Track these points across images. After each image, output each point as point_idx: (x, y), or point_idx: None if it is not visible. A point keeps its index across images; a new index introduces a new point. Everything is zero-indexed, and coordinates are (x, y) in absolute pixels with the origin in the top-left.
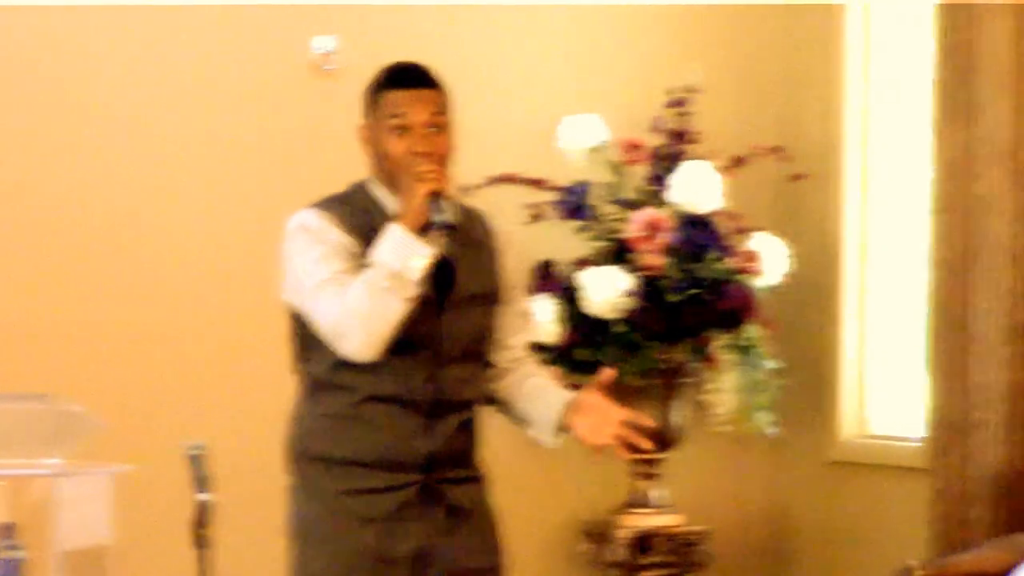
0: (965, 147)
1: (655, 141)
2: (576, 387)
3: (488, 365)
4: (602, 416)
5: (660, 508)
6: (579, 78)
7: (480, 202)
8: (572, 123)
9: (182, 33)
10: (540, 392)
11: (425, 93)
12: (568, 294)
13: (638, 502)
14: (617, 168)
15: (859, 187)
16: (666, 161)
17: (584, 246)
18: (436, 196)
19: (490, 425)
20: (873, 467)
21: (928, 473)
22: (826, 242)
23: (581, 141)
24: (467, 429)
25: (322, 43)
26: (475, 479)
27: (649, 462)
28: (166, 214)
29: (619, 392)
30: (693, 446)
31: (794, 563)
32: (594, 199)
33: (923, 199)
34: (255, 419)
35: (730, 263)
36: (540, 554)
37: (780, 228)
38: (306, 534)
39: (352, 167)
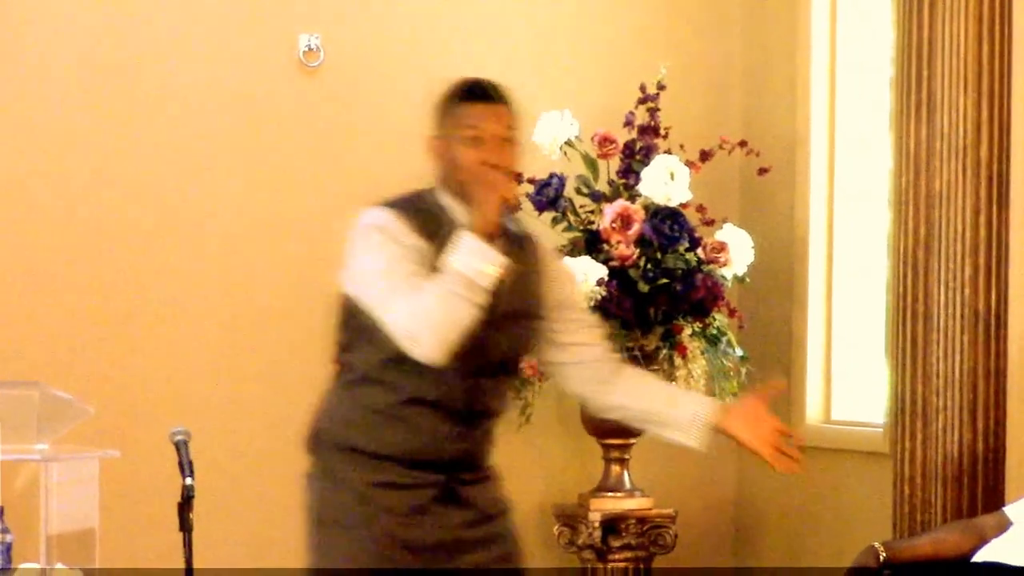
0: (924, 141)
1: (626, 136)
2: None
3: (551, 364)
4: (762, 423)
5: (629, 492)
6: (553, 75)
7: None
8: (547, 119)
9: (173, 28)
10: (669, 394)
11: (500, 108)
12: None
13: (608, 486)
14: (590, 162)
15: (823, 180)
16: (637, 155)
17: (558, 237)
18: (507, 206)
19: None
20: (837, 452)
21: (890, 457)
22: (791, 233)
23: (555, 136)
24: (489, 435)
25: (306, 40)
26: (489, 478)
27: (620, 448)
28: (154, 207)
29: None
30: None
31: (760, 546)
32: (568, 192)
33: (885, 191)
34: (239, 407)
35: (699, 254)
36: None
37: (747, 220)
38: (331, 521)
39: (337, 161)
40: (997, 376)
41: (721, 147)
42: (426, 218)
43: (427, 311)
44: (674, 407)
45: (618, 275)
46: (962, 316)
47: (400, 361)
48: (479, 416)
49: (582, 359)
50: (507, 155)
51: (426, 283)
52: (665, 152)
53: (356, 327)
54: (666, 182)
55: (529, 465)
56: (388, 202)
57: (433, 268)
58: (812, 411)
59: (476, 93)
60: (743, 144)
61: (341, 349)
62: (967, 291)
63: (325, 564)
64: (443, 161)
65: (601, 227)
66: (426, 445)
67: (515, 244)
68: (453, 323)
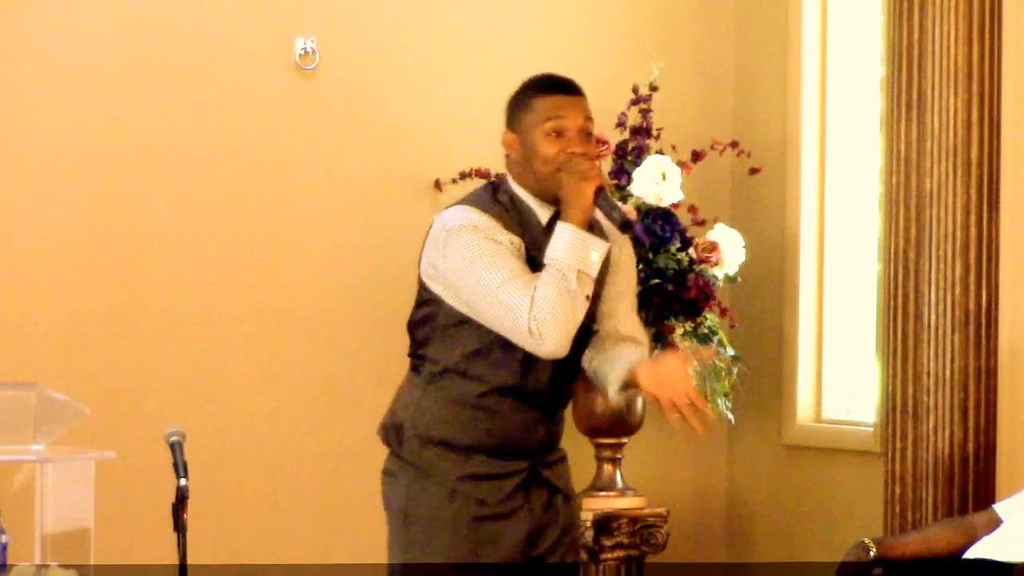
0: (915, 141)
1: (619, 136)
2: None
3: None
4: (672, 377)
5: (621, 492)
6: None
7: (451, 196)
8: None
9: (169, 32)
10: (623, 354)
11: (579, 100)
12: None
13: (601, 486)
14: None
15: (814, 180)
16: (629, 155)
17: None
18: (601, 192)
19: None
20: (828, 451)
21: (880, 456)
22: (782, 233)
23: None
24: (562, 419)
25: (302, 44)
26: (563, 459)
27: (612, 447)
28: (151, 208)
29: (583, 378)
30: (654, 431)
31: (751, 544)
32: None
33: (876, 191)
34: (234, 409)
35: (690, 254)
36: None
37: (738, 220)
38: (422, 517)
39: (332, 163)
40: (987, 375)
41: (712, 148)
42: (510, 213)
43: (550, 307)
44: (612, 363)
45: None
46: (952, 315)
47: (483, 353)
48: (560, 399)
49: (611, 331)
50: (588, 146)
51: (538, 279)
52: (657, 153)
53: (438, 323)
54: (658, 182)
55: None
56: (469, 201)
57: (527, 261)
58: (803, 410)
59: (555, 86)
60: (734, 145)
61: (419, 344)
62: (958, 290)
63: (420, 560)
64: (521, 154)
65: None
66: (514, 433)
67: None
68: (572, 315)
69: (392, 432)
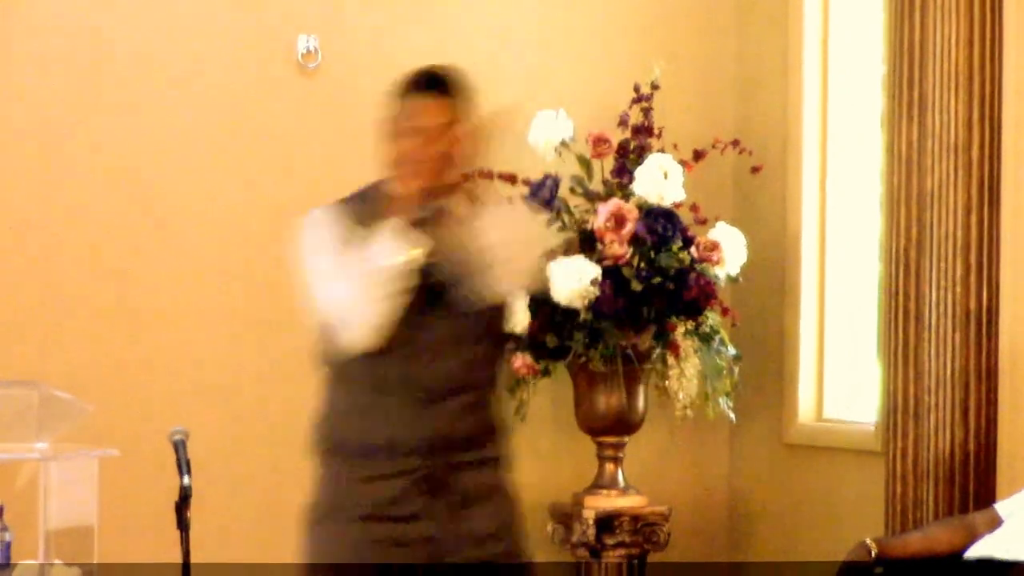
0: (916, 141)
1: (620, 135)
2: (546, 373)
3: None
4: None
5: (623, 490)
6: (547, 76)
7: None
8: (541, 119)
9: (172, 30)
10: None
11: (441, 101)
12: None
13: (603, 484)
14: (584, 162)
15: (816, 179)
16: (631, 155)
17: (553, 237)
18: (425, 192)
19: None
20: (829, 450)
21: (881, 455)
22: (784, 233)
23: (549, 136)
24: (474, 412)
25: (305, 42)
26: (487, 461)
27: (614, 446)
28: (154, 207)
29: (585, 377)
30: (656, 430)
31: (752, 543)
32: (562, 192)
33: (877, 191)
34: (237, 407)
35: (692, 253)
36: None
37: (739, 219)
38: (320, 518)
39: (334, 162)
40: (988, 375)
41: (714, 146)
42: (367, 209)
43: (351, 299)
44: None
45: (612, 274)
46: (953, 315)
47: (365, 353)
48: (447, 393)
49: None
50: (444, 146)
51: (350, 272)
52: (659, 151)
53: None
54: (659, 181)
55: (524, 463)
56: (339, 199)
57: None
58: (804, 409)
59: (419, 84)
60: (736, 143)
61: (320, 350)
62: (958, 290)
63: (317, 561)
64: (388, 151)
65: (595, 226)
66: (395, 432)
67: (469, 222)
68: (373, 310)
69: (311, 441)
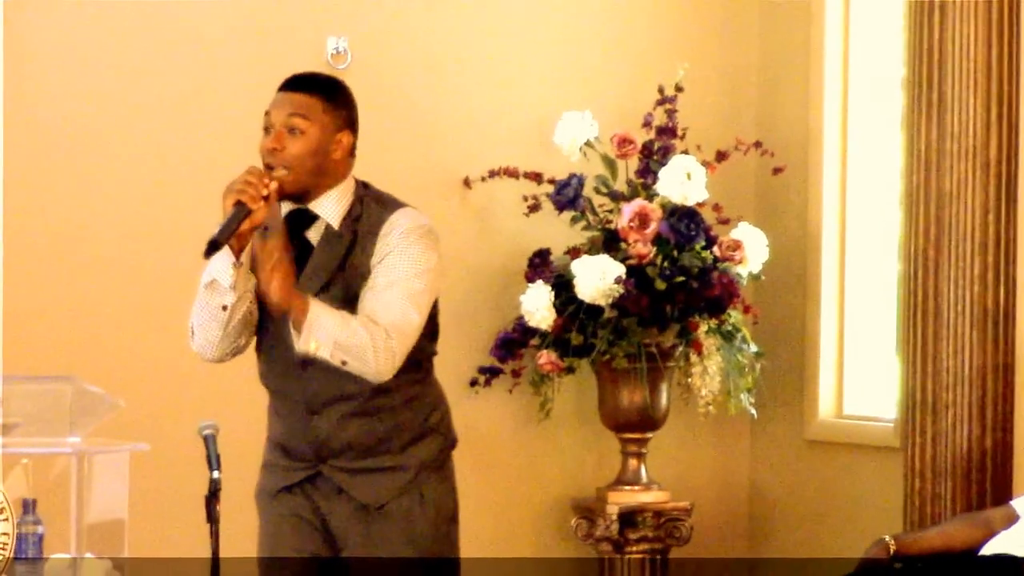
0: (935, 141)
1: (644, 136)
2: (570, 370)
3: None
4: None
5: (647, 485)
6: (573, 78)
7: (480, 194)
8: (567, 119)
9: (202, 31)
10: None
11: (291, 96)
12: (561, 281)
13: (626, 480)
14: (609, 162)
15: (836, 180)
16: (655, 155)
17: (577, 236)
18: (242, 206)
19: (487, 405)
20: (849, 446)
21: (900, 452)
22: (805, 232)
23: (575, 136)
24: (361, 420)
25: (334, 43)
26: (387, 469)
27: (637, 442)
28: (184, 204)
29: (609, 374)
30: (678, 426)
31: (773, 538)
32: (587, 191)
33: (897, 191)
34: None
35: (714, 252)
36: (533, 529)
37: (761, 219)
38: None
39: (363, 162)
40: (1005, 372)
41: (737, 148)
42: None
43: (193, 313)
44: None
45: (635, 273)
46: (971, 313)
47: (258, 355)
48: (324, 403)
49: None
50: (288, 143)
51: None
52: (682, 152)
53: None
54: (683, 182)
55: (548, 459)
56: None
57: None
58: (824, 406)
59: (283, 84)
60: (758, 145)
61: None
62: (976, 288)
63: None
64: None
65: (619, 226)
66: (287, 434)
67: (350, 225)
68: (207, 323)
69: None
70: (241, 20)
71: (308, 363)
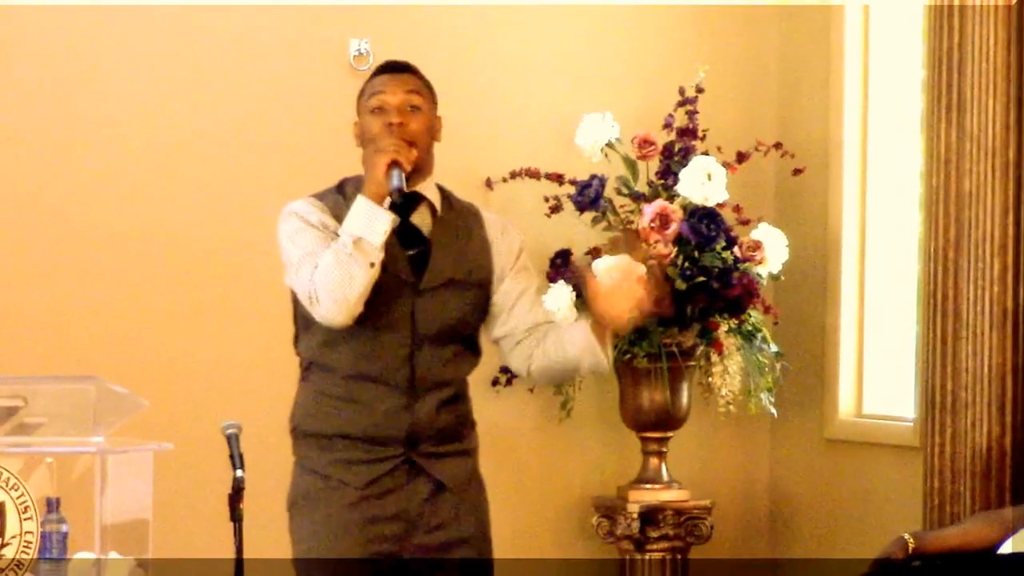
0: (955, 143)
1: (665, 138)
2: None
3: (497, 341)
4: (616, 292)
5: (667, 484)
6: (595, 79)
7: (502, 195)
8: (588, 121)
9: (225, 34)
10: (563, 332)
11: (402, 76)
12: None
13: (647, 478)
14: (630, 163)
15: (856, 181)
16: (675, 156)
17: (598, 236)
18: (396, 166)
19: (509, 404)
20: (868, 445)
21: (920, 451)
22: (825, 232)
23: (596, 137)
24: (450, 406)
25: (356, 45)
26: (460, 454)
27: (658, 441)
28: (207, 204)
29: (630, 374)
30: (699, 425)
31: (793, 535)
32: (608, 192)
33: (916, 192)
34: (290, 400)
35: (735, 252)
36: (554, 527)
37: (781, 219)
38: (301, 503)
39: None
40: None
41: (757, 149)
42: (341, 201)
43: (323, 274)
44: (566, 345)
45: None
46: (991, 313)
47: (333, 342)
48: (427, 387)
49: (511, 331)
50: (409, 120)
51: (326, 251)
52: (703, 154)
53: (299, 316)
54: (703, 183)
55: (569, 458)
56: (313, 193)
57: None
58: (844, 405)
59: (381, 68)
60: (778, 146)
61: (295, 340)
62: (996, 289)
63: (297, 546)
64: (361, 141)
65: (640, 226)
66: (374, 421)
67: (447, 214)
68: (347, 283)
69: (290, 428)
70: (264, 22)
71: (419, 346)
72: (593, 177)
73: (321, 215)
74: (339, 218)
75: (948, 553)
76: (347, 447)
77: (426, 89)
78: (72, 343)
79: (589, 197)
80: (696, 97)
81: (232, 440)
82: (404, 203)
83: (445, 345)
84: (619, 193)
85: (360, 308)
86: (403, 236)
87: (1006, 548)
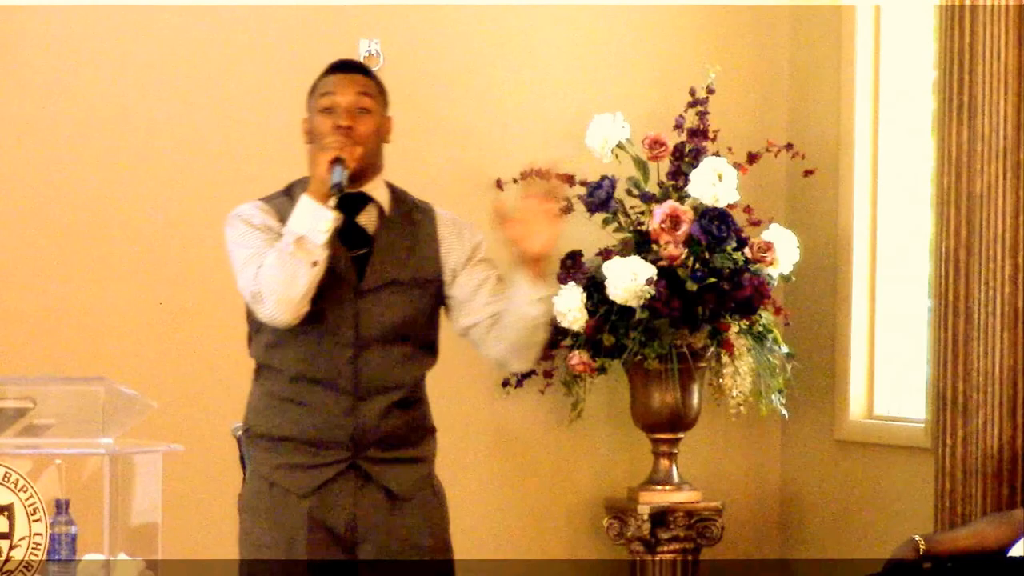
0: (966, 144)
1: (676, 138)
2: (602, 371)
3: (465, 334)
4: (529, 222)
5: (678, 485)
6: (605, 80)
7: (512, 196)
8: (599, 122)
9: (235, 34)
10: (508, 300)
11: (354, 76)
12: (594, 282)
13: (657, 480)
14: (640, 164)
15: (867, 182)
16: (686, 157)
17: (609, 237)
18: (338, 163)
19: (519, 406)
20: (879, 447)
21: (931, 452)
22: (836, 233)
23: (607, 138)
24: (400, 411)
25: (366, 46)
26: (411, 460)
27: (669, 442)
28: (216, 205)
29: (641, 375)
30: (709, 427)
31: (804, 537)
32: (619, 193)
33: (928, 193)
34: None
35: (746, 253)
36: (565, 528)
37: (792, 220)
38: (249, 507)
39: (395, 164)
40: None
41: (768, 150)
42: (287, 202)
43: (266, 272)
44: (514, 299)
45: (667, 274)
46: (1002, 314)
47: (280, 344)
48: (371, 391)
49: (475, 322)
50: (359, 122)
51: (271, 251)
52: (713, 154)
53: (249, 319)
54: (714, 183)
55: (580, 459)
56: (261, 197)
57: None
58: (855, 407)
59: (333, 67)
60: (789, 147)
61: (248, 342)
62: (1007, 290)
63: (246, 551)
64: (310, 138)
65: (651, 227)
66: (319, 424)
67: (396, 214)
68: (290, 281)
69: (243, 432)
70: (274, 23)
71: (364, 348)
72: (604, 178)
73: (265, 217)
74: (285, 220)
75: (959, 555)
76: (292, 450)
77: (377, 90)
78: (81, 345)
79: (600, 198)
80: (707, 98)
81: (241, 442)
82: (350, 203)
83: (392, 346)
84: (629, 194)
85: (305, 307)
86: (348, 236)
87: (1017, 550)
